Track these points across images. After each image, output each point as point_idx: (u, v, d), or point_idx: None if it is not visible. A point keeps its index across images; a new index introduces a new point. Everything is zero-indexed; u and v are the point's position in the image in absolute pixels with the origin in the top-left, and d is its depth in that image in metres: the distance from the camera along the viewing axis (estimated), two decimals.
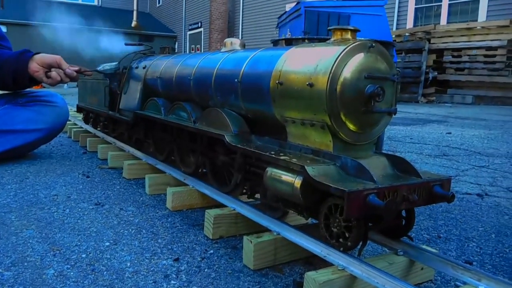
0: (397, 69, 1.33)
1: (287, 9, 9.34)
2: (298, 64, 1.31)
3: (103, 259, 1.30)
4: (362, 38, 1.26)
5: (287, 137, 1.39)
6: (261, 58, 1.53)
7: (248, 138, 1.56)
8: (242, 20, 17.87)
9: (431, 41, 9.91)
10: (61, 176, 2.33)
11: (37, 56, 2.50)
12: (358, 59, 1.20)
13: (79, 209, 1.77)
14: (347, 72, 1.18)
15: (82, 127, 3.69)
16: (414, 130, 4.87)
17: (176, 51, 2.70)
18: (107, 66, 2.72)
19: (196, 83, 1.87)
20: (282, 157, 1.25)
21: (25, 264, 1.25)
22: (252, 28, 17.33)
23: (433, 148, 3.62)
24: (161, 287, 1.14)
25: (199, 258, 1.33)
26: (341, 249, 1.11)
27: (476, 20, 10.08)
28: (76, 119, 4.14)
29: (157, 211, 1.79)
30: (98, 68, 2.71)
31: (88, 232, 1.52)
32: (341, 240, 1.12)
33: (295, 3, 7.27)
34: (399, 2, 11.88)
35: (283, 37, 1.76)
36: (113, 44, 3.06)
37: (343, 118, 1.21)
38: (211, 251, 1.39)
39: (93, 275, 1.19)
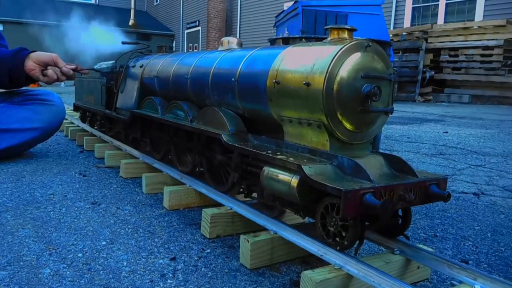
0: (394, 68, 1.33)
1: (285, 8, 9.34)
2: (295, 64, 1.31)
3: (99, 259, 1.30)
4: (359, 38, 1.26)
5: (284, 136, 1.39)
6: (258, 57, 1.53)
7: (245, 137, 1.56)
8: (240, 19, 17.86)
9: (428, 41, 9.93)
10: (57, 175, 2.33)
11: (33, 54, 2.49)
12: (354, 58, 1.20)
13: (76, 208, 1.77)
14: (344, 71, 1.19)
15: (79, 126, 3.68)
16: (411, 129, 4.89)
17: (174, 49, 2.69)
18: (103, 64, 2.71)
19: (193, 82, 1.87)
20: (279, 156, 1.25)
21: (21, 263, 1.25)
22: (249, 27, 17.32)
23: (430, 147, 3.63)
24: (158, 286, 1.14)
25: (196, 257, 1.33)
26: (338, 248, 1.12)
27: (473, 20, 10.12)
28: (73, 118, 4.13)
29: (154, 210, 1.79)
30: (95, 67, 2.70)
31: (85, 231, 1.52)
32: (337, 239, 1.12)
33: (293, 2, 7.26)
34: (397, 2, 11.90)
35: (281, 36, 1.76)
36: (110, 42, 3.06)
37: (340, 117, 1.21)
38: (208, 250, 1.39)
39: (89, 275, 1.19)
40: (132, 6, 21.92)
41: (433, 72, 9.84)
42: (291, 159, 1.22)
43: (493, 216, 1.86)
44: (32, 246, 1.37)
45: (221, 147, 1.64)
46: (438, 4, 11.16)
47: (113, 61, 2.73)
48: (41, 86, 10.12)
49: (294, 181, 1.17)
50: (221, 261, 1.31)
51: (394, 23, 11.95)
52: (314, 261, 1.30)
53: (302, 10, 6.78)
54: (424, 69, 9.82)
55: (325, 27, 1.32)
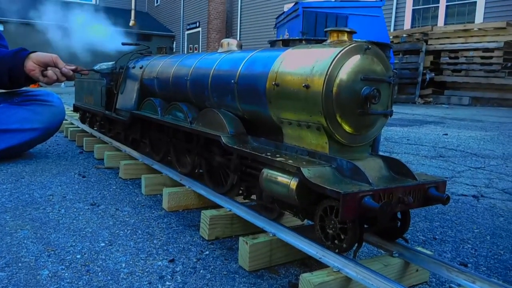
0: (394, 70, 1.33)
1: (285, 9, 9.34)
2: (294, 66, 1.31)
3: (98, 260, 1.30)
4: (359, 40, 1.26)
5: (283, 138, 1.39)
6: (257, 59, 1.53)
7: (244, 139, 1.56)
8: (240, 20, 17.87)
9: (428, 42, 9.94)
10: (56, 176, 2.32)
11: (33, 55, 2.49)
12: (354, 61, 1.20)
13: (75, 209, 1.77)
14: (343, 74, 1.19)
15: (78, 127, 3.68)
16: (411, 131, 4.89)
17: (174, 50, 2.69)
18: (103, 65, 2.71)
19: (193, 84, 1.87)
20: (278, 159, 1.25)
21: (19, 264, 1.25)
22: (250, 28, 17.33)
23: (430, 149, 3.63)
24: None
25: (194, 259, 1.33)
26: (337, 250, 1.12)
27: (473, 22, 10.12)
28: (72, 118, 4.13)
29: (153, 211, 1.78)
30: (95, 68, 2.70)
31: (84, 232, 1.52)
32: (336, 241, 1.12)
33: (293, 4, 7.27)
34: (397, 4, 11.91)
35: (281, 38, 1.76)
36: (110, 43, 3.06)
37: (339, 119, 1.21)
38: (207, 252, 1.38)
39: (87, 276, 1.19)
40: (133, 6, 21.93)
41: (433, 74, 9.84)
42: (290, 161, 1.22)
43: (492, 219, 1.86)
44: (30, 247, 1.37)
45: (221, 149, 1.64)
46: (438, 6, 11.16)
47: (113, 62, 2.73)
48: (41, 86, 10.12)
49: (293, 183, 1.17)
50: (219, 263, 1.31)
51: (395, 25, 11.96)
52: (313, 264, 1.30)
53: (303, 11, 6.79)
54: (424, 71, 9.82)
55: (325, 30, 1.33)
